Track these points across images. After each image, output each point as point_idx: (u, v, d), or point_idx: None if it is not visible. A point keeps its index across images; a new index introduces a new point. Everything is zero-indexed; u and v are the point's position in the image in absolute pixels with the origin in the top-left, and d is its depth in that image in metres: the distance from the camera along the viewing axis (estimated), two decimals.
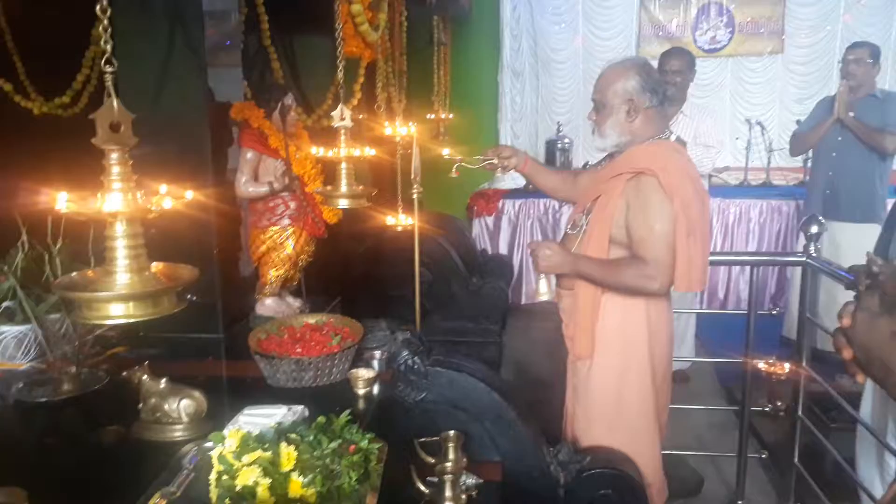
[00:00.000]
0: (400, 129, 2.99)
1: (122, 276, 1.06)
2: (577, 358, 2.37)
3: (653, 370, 2.30)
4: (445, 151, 2.57)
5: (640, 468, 2.30)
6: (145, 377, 1.82)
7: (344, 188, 2.20)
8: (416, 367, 2.27)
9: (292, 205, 2.63)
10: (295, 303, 2.78)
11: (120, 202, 1.03)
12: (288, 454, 1.46)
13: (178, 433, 1.78)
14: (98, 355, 2.43)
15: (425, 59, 5.33)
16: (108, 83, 1.03)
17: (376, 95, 3.63)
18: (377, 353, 2.25)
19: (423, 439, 2.15)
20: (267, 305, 2.68)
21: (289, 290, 2.81)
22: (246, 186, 2.57)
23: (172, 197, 1.10)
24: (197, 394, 1.81)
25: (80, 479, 1.61)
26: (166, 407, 1.78)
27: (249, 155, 2.56)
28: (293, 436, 1.54)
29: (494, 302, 4.71)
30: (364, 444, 1.58)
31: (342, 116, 2.17)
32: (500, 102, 6.45)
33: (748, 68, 6.66)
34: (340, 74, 2.24)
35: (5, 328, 2.28)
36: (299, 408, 1.87)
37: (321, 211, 2.67)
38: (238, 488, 1.39)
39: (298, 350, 2.12)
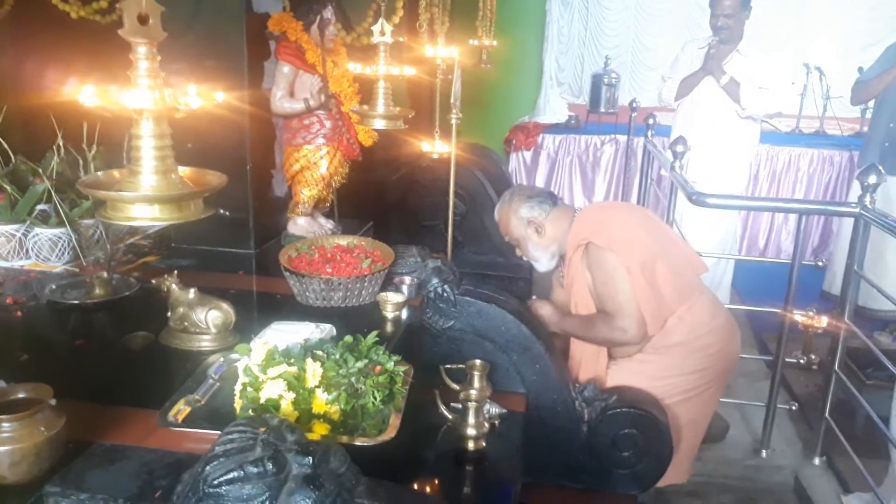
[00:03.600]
0: (441, 51, 2.87)
1: (148, 177, 1.03)
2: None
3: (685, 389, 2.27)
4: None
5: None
6: (174, 286, 1.81)
7: (381, 108, 2.13)
8: (445, 294, 2.24)
9: (328, 124, 2.56)
10: (327, 224, 2.75)
11: (147, 98, 0.98)
12: (313, 370, 1.45)
13: (205, 343, 1.79)
14: (130, 262, 2.46)
15: None
16: None
17: (418, 15, 3.49)
18: (407, 279, 2.22)
19: (449, 366, 2.14)
20: (299, 225, 2.66)
21: (321, 210, 2.78)
22: (281, 102, 2.50)
23: (201, 97, 1.04)
24: (225, 305, 1.80)
25: (108, 381, 1.63)
26: (194, 316, 1.78)
27: (286, 69, 2.48)
28: (319, 353, 1.52)
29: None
30: (390, 365, 1.57)
31: (382, 31, 2.08)
32: (546, 32, 6.19)
33: (811, 9, 6.28)
34: None
35: (40, 230, 2.30)
36: (327, 326, 1.86)
37: (356, 132, 2.60)
38: (262, 401, 1.39)
39: (329, 270, 2.09)
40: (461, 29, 5.33)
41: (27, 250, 2.31)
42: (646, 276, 2.13)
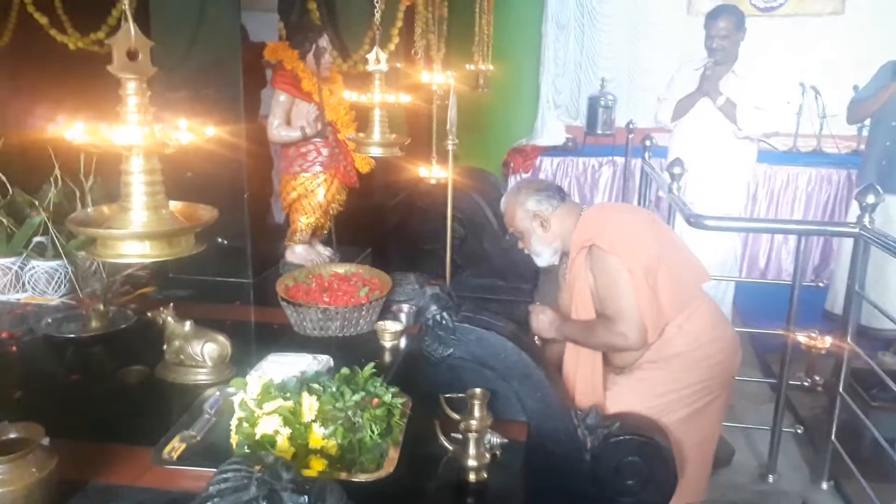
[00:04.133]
0: (437, 77, 2.88)
1: (138, 213, 1.01)
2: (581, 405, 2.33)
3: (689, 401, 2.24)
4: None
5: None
6: (170, 318, 1.79)
7: (376, 136, 2.13)
8: (444, 322, 2.22)
9: (324, 151, 2.56)
10: (325, 251, 2.74)
11: (136, 135, 0.97)
12: (310, 405, 1.43)
13: (201, 376, 1.77)
14: (127, 294, 2.44)
15: (467, 7, 5.15)
16: (125, 6, 0.96)
17: (414, 42, 3.52)
18: (405, 307, 2.21)
19: (448, 395, 2.11)
20: (297, 253, 2.65)
21: (319, 238, 2.77)
22: (278, 130, 2.50)
23: (192, 132, 1.03)
24: (221, 338, 1.79)
25: (103, 417, 1.61)
26: (190, 350, 1.76)
27: (282, 98, 2.49)
28: (316, 386, 1.50)
29: (526, 260, 4.61)
30: (388, 397, 1.54)
31: (377, 60, 2.08)
32: (542, 55, 6.24)
33: (806, 29, 6.33)
34: (378, 16, 2.14)
35: (36, 263, 2.29)
36: (324, 357, 1.84)
37: (353, 159, 2.60)
38: (258, 437, 1.37)
39: (326, 299, 2.08)
40: (458, 54, 5.38)
41: (24, 283, 2.30)
42: (648, 282, 2.10)
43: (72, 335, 2.00)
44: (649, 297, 2.10)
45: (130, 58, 0.97)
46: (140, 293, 2.45)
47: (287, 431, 1.38)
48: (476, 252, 4.66)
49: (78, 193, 2.50)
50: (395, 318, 2.15)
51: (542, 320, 2.36)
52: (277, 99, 2.49)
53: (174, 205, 1.11)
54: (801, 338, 3.03)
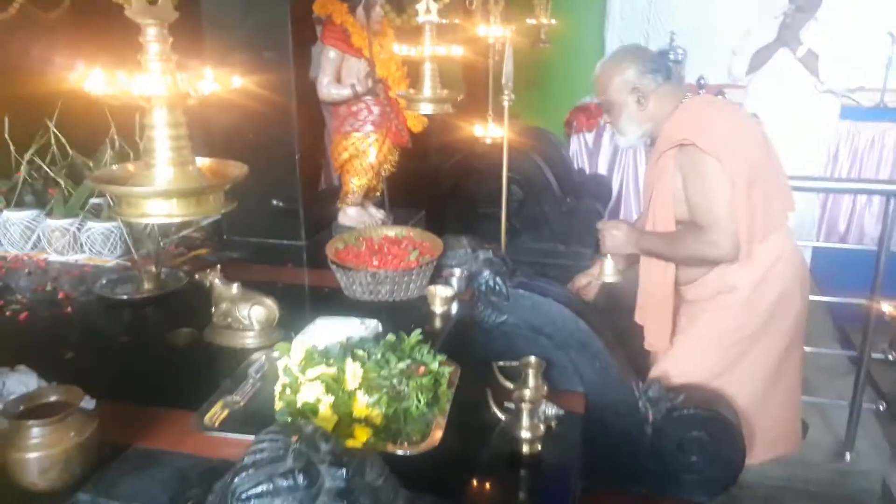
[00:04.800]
0: (493, 30, 2.74)
1: (164, 170, 0.95)
2: (650, 347, 2.20)
3: (766, 349, 2.08)
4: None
5: (750, 416, 2.12)
6: (217, 280, 1.76)
7: (427, 91, 2.03)
8: (497, 288, 2.13)
9: (375, 110, 2.47)
10: (377, 213, 2.67)
11: (159, 84, 0.90)
12: (353, 372, 1.37)
13: (248, 339, 1.74)
14: (181, 255, 2.44)
15: None
16: None
17: None
18: (457, 272, 2.12)
19: (502, 363, 2.03)
20: (349, 215, 2.59)
21: (372, 200, 2.70)
22: (328, 88, 2.43)
23: (218, 82, 0.95)
24: (268, 301, 1.74)
25: (150, 380, 1.60)
26: (237, 313, 1.73)
27: (332, 54, 2.40)
28: (360, 353, 1.44)
29: (589, 224, 4.45)
30: (435, 366, 1.47)
31: (428, 10, 1.97)
32: (607, 8, 5.95)
33: None
34: None
35: (92, 224, 2.30)
36: (373, 322, 1.78)
37: (406, 118, 2.51)
38: (299, 404, 1.32)
39: (375, 263, 2.01)
40: (518, 7, 5.17)
41: (81, 244, 2.32)
42: (746, 194, 1.90)
43: (125, 296, 2.01)
44: (744, 211, 1.90)
45: (150, 1, 0.90)
46: (193, 255, 2.45)
47: (330, 399, 1.32)
48: (535, 215, 4.52)
49: (132, 154, 2.50)
50: (447, 283, 2.07)
51: (616, 236, 2.14)
52: (327, 55, 2.41)
53: (202, 161, 1.04)
54: (886, 307, 2.81)
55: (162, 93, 0.90)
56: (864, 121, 5.11)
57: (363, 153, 2.50)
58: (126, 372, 1.63)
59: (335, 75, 2.43)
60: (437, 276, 2.12)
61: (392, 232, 2.25)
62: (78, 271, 2.25)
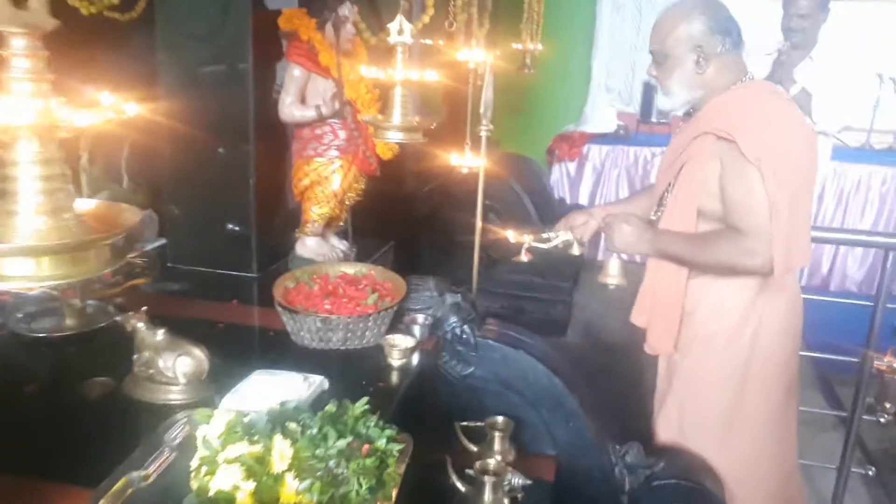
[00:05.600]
0: (474, 54, 2.56)
1: (29, 220, 0.74)
2: (652, 350, 2.01)
3: (764, 371, 1.89)
4: (510, 234, 2.15)
5: (761, 484, 1.94)
6: (141, 325, 1.54)
7: (396, 118, 1.83)
8: (465, 336, 1.93)
9: (342, 134, 2.27)
10: (340, 245, 2.46)
11: (27, 110, 0.70)
12: (281, 451, 1.15)
13: (172, 395, 1.51)
14: (117, 286, 2.20)
15: None
16: None
17: (453, 15, 3.19)
18: (419, 318, 1.91)
19: (466, 423, 1.83)
20: (308, 246, 2.38)
21: (334, 230, 2.49)
22: (290, 108, 2.23)
23: (104, 110, 0.75)
24: (197, 351, 1.52)
25: (47, 442, 1.36)
26: (161, 363, 1.50)
27: (297, 72, 2.21)
28: (292, 426, 1.22)
29: (567, 256, 4.30)
30: (382, 443, 1.26)
31: (401, 31, 1.78)
32: (595, 36, 5.83)
33: (889, 16, 5.76)
34: None
35: None
36: (317, 378, 1.57)
37: (374, 144, 2.31)
38: (212, 492, 1.10)
39: (327, 306, 1.80)
40: (504, 31, 5.02)
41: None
42: (790, 211, 1.67)
43: (42, 334, 1.77)
44: (786, 230, 1.67)
45: (17, 3, 0.69)
46: (131, 284, 2.22)
47: (250, 486, 1.10)
48: (512, 245, 4.34)
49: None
50: (408, 331, 1.86)
51: (626, 231, 1.85)
52: (291, 73, 2.21)
53: (85, 205, 0.83)
54: (881, 364, 2.65)
55: (29, 121, 0.69)
56: (851, 162, 5.03)
57: (326, 180, 2.30)
58: (22, 431, 1.40)
59: (299, 95, 2.24)
60: (398, 321, 1.91)
61: (351, 269, 2.05)
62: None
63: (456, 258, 3.89)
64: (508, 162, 4.75)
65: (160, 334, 1.53)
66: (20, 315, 1.84)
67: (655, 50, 1.86)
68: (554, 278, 4.28)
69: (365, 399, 1.31)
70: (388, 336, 1.78)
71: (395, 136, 1.86)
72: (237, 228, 2.32)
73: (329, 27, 2.18)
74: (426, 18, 2.78)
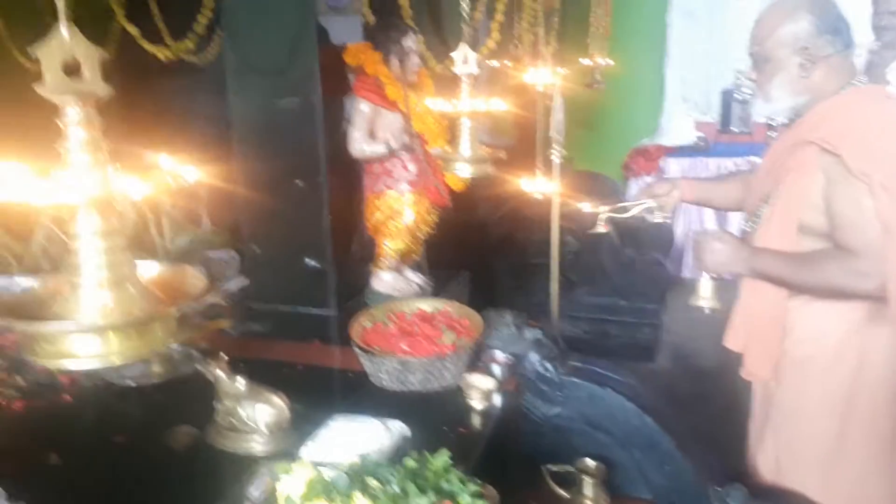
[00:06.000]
0: (541, 76, 2.49)
1: (94, 293, 0.71)
2: (750, 375, 1.85)
3: (870, 404, 1.70)
4: (585, 205, 2.06)
5: None
6: (221, 373, 1.53)
7: (465, 151, 1.78)
8: (548, 375, 1.84)
9: (412, 167, 2.25)
10: (415, 278, 2.42)
11: (85, 185, 0.68)
12: None
13: (254, 444, 1.49)
14: (199, 329, 2.23)
15: None
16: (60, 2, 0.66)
17: (517, 37, 3.14)
18: (499, 355, 1.84)
19: (553, 467, 1.74)
20: (384, 281, 2.35)
21: (410, 263, 2.46)
22: (360, 144, 2.22)
23: (160, 178, 0.72)
24: (277, 399, 1.50)
25: (134, 495, 1.36)
26: (242, 413, 1.49)
27: (364, 107, 2.20)
28: (373, 483, 1.17)
29: (651, 276, 4.12)
30: (465, 499, 1.19)
31: (465, 60, 1.73)
32: (667, 46, 5.65)
33: None
34: (467, 10, 1.79)
35: None
36: (398, 426, 1.51)
37: (444, 176, 2.27)
38: None
39: (404, 347, 1.75)
40: (572, 48, 4.94)
41: None
42: None
43: (132, 383, 1.79)
44: None
45: (68, 72, 0.68)
46: (213, 327, 2.24)
47: None
48: (592, 267, 4.21)
49: (153, 218, 2.33)
50: (487, 369, 1.79)
51: (719, 250, 1.68)
52: (359, 108, 2.21)
53: (151, 269, 0.81)
54: None
55: (88, 196, 0.67)
56: None
57: (398, 214, 2.27)
58: (111, 485, 1.40)
59: (368, 130, 2.22)
60: (477, 359, 1.84)
61: (427, 305, 2.00)
62: None
63: (533, 281, 3.80)
64: (582, 180, 4.63)
65: (240, 383, 1.52)
66: None
67: (755, 52, 1.70)
68: (639, 300, 4.11)
69: (446, 452, 1.24)
70: (467, 376, 1.72)
71: (464, 169, 1.81)
72: (314, 265, 2.31)
73: (394, 60, 2.16)
74: (491, 44, 2.74)
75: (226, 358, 1.59)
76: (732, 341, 1.86)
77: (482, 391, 1.68)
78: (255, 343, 2.14)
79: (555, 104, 2.15)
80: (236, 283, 2.60)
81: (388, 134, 2.20)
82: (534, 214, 3.78)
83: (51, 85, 0.66)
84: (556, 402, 1.84)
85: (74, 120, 0.68)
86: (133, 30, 2.84)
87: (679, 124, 5.61)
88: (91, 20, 3.02)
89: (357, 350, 1.78)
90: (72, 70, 0.67)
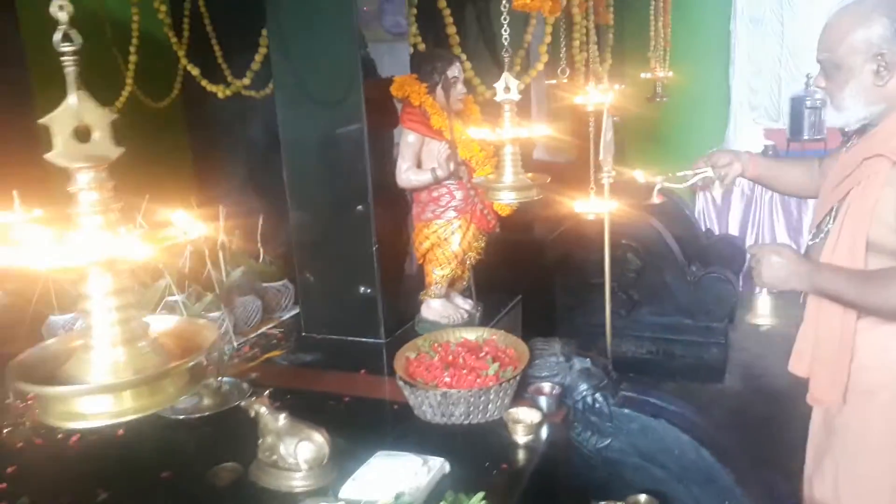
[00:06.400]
0: (591, 97, 2.43)
1: (106, 352, 0.73)
2: (815, 402, 1.74)
3: None
4: (639, 174, 2.01)
5: None
6: (263, 409, 1.55)
7: (508, 178, 1.74)
8: (597, 406, 1.79)
9: (458, 195, 2.24)
10: (465, 305, 2.40)
11: (95, 247, 0.69)
12: None
13: (295, 482, 1.50)
14: (253, 359, 2.28)
15: (638, 11, 4.62)
16: (69, 72, 0.68)
17: (572, 57, 3.09)
18: (546, 387, 1.79)
19: (604, 503, 1.68)
20: (433, 308, 2.34)
21: (458, 289, 2.44)
22: (407, 174, 2.22)
23: (171, 235, 0.73)
24: (318, 436, 1.50)
25: None
26: (282, 449, 1.50)
27: (411, 138, 2.21)
28: None
29: (719, 294, 3.96)
30: None
31: (507, 88, 1.71)
32: (732, 55, 5.47)
33: None
34: (506, 35, 1.77)
35: None
36: (437, 462, 1.49)
37: (491, 202, 2.25)
38: None
39: (447, 379, 1.73)
40: (632, 62, 4.85)
41: None
42: None
43: (181, 416, 1.84)
44: None
45: (80, 139, 0.70)
46: (267, 357, 2.29)
47: None
48: (656, 286, 4.09)
49: (206, 252, 2.41)
50: (533, 401, 1.75)
51: (777, 265, 1.57)
52: (406, 139, 2.22)
53: (164, 324, 0.82)
54: None
55: (99, 259, 0.69)
56: None
57: (445, 241, 2.26)
58: None
59: (415, 160, 2.23)
60: (523, 390, 1.80)
61: (472, 334, 1.97)
62: None
63: (593, 301, 3.71)
64: (647, 196, 4.51)
65: (282, 419, 1.53)
66: None
67: (825, 59, 1.60)
68: (705, 318, 3.96)
69: (481, 494, 1.21)
70: (511, 410, 1.68)
71: (507, 197, 1.77)
72: (364, 294, 2.33)
73: (439, 90, 2.17)
74: (540, 66, 2.71)
75: (267, 394, 1.61)
76: (797, 366, 1.76)
77: (527, 425, 1.64)
78: (305, 373, 2.16)
79: (604, 124, 2.10)
80: (289, 311, 2.65)
81: (435, 162, 2.20)
82: (592, 233, 3.71)
83: (62, 152, 0.69)
84: (606, 434, 1.78)
85: (85, 183, 0.70)
86: (195, 70, 2.96)
87: (747, 133, 5.42)
88: (160, 65, 3.17)
89: (400, 383, 1.77)
90: (84, 136, 0.69)
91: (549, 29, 2.65)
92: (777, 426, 2.57)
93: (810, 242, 1.74)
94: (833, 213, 1.65)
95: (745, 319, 4.08)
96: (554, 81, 3.45)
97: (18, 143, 2.16)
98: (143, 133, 3.00)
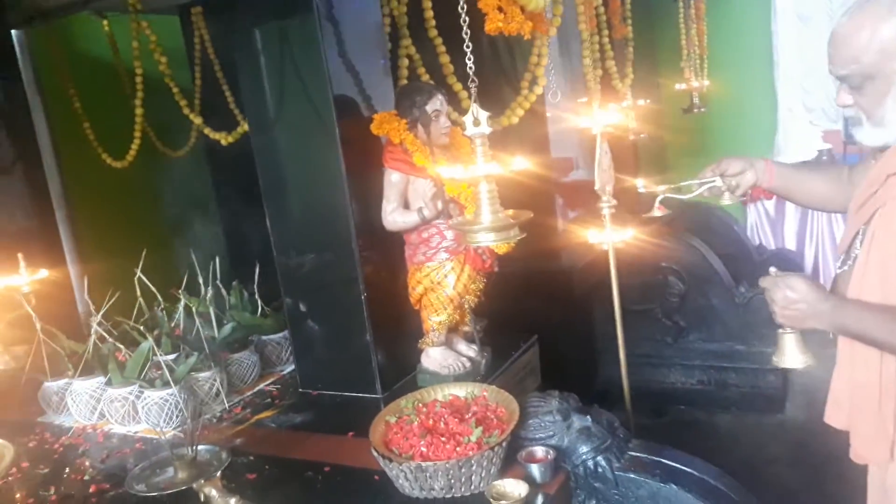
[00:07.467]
0: (598, 119, 2.21)
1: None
2: (859, 459, 1.47)
3: None
4: (640, 183, 1.80)
5: None
6: (214, 493, 1.41)
7: (485, 218, 1.56)
8: (600, 470, 1.57)
9: (449, 235, 2.07)
10: (468, 352, 2.22)
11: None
12: None
13: None
14: (244, 421, 2.16)
15: (670, 18, 4.38)
16: None
17: (586, 74, 2.90)
18: (538, 452, 1.58)
19: None
20: (432, 358, 2.17)
21: (462, 335, 2.26)
22: (393, 216, 2.07)
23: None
24: None
25: None
26: None
27: (395, 177, 2.06)
28: None
29: (771, 316, 3.64)
30: None
31: (476, 120, 1.54)
32: (776, 57, 5.13)
33: None
34: (470, 63, 1.60)
35: (149, 393, 2.10)
36: None
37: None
38: None
39: (423, 449, 1.55)
40: (666, 72, 4.60)
41: (139, 414, 2.13)
42: None
43: (153, 492, 1.72)
44: None
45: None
46: (257, 419, 2.16)
47: None
48: (702, 310, 3.80)
49: (195, 308, 2.33)
50: (525, 469, 1.54)
51: (792, 299, 1.34)
52: (389, 179, 2.07)
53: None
54: None
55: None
56: None
57: (439, 285, 2.09)
58: None
59: (401, 200, 2.08)
60: (514, 455, 1.60)
61: (462, 390, 1.79)
62: (130, 448, 2.05)
63: (636, 329, 3.48)
64: (692, 213, 4.23)
65: (233, 502, 1.39)
66: (138, 468, 1.83)
67: (852, 72, 1.35)
68: (758, 343, 3.64)
69: None
70: (496, 483, 1.48)
71: (486, 238, 1.59)
72: (355, 347, 2.19)
73: (419, 126, 2.02)
74: (539, 89, 2.52)
75: (219, 474, 1.46)
76: (834, 417, 1.49)
77: (513, 500, 1.44)
78: (291, 437, 2.02)
79: (598, 150, 1.90)
80: (289, 366, 2.52)
81: (422, 202, 2.04)
82: (630, 257, 3.47)
83: None
84: (611, 502, 1.56)
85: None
86: (198, 120, 2.92)
87: (799, 138, 5.06)
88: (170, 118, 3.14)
89: (374, 453, 1.60)
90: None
91: (544, 51, 2.47)
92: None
93: (838, 271, 1.49)
94: (861, 237, 1.41)
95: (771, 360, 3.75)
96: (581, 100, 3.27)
97: None
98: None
